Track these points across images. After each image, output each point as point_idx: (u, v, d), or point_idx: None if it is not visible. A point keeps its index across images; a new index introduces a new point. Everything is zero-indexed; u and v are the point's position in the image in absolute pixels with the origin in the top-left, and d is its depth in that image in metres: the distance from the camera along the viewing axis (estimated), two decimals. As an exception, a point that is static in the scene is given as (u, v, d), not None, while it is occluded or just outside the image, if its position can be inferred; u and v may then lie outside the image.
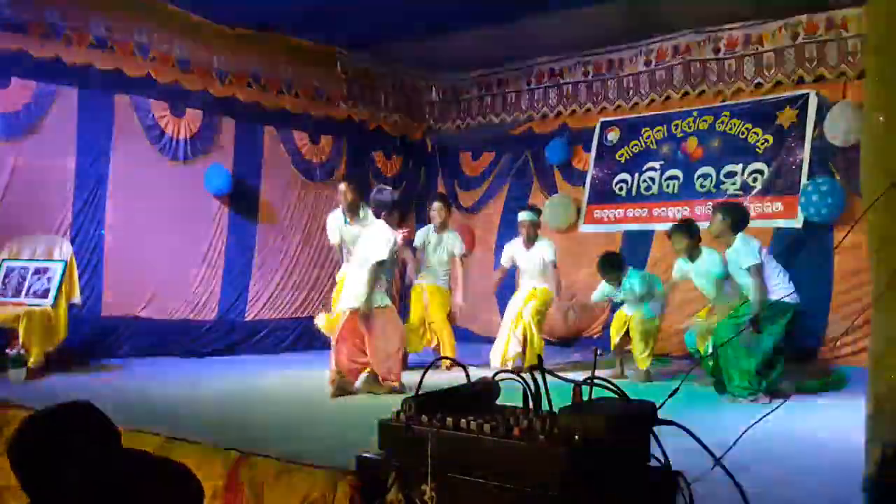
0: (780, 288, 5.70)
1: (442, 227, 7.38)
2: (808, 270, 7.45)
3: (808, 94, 7.65)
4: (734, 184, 8.00)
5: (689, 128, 8.42)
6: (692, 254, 6.24)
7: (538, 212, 7.54)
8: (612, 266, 6.77)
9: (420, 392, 2.33)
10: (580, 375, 2.30)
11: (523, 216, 7.26)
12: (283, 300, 8.61)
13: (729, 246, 5.88)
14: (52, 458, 1.80)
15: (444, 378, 3.04)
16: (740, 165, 7.99)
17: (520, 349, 6.89)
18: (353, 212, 6.78)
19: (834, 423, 4.60)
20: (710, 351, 6.00)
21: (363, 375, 5.71)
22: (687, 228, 6.30)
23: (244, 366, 7.28)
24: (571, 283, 8.95)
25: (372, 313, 5.76)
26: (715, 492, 2.23)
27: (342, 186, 6.93)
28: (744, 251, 5.76)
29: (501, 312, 9.32)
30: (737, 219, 5.93)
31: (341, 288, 6.41)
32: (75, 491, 1.37)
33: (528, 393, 2.28)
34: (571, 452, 1.95)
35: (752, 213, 7.79)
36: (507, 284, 7.73)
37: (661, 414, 2.15)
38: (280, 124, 8.76)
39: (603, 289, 6.92)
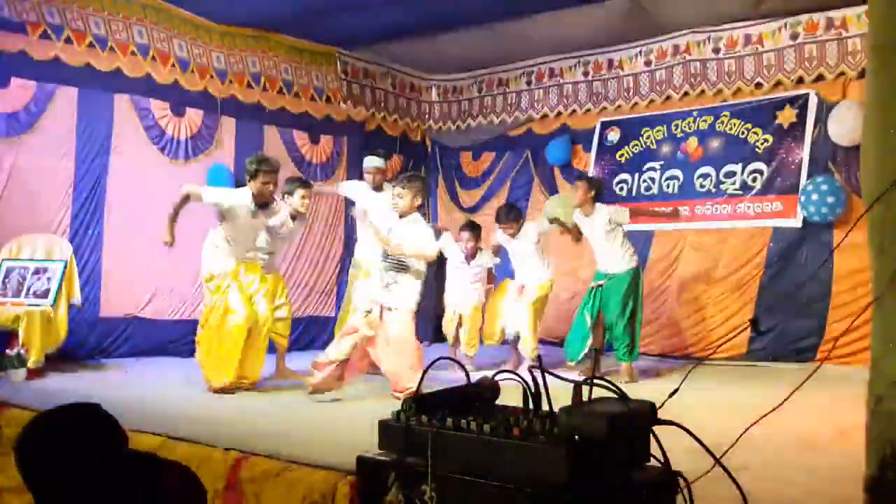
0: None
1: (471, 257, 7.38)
2: (808, 270, 7.47)
3: (808, 93, 7.65)
4: (734, 183, 8.01)
5: (689, 128, 8.42)
6: (587, 208, 6.76)
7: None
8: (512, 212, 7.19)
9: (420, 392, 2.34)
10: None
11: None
12: (283, 300, 8.60)
13: (588, 215, 6.75)
14: (60, 458, 1.80)
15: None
16: (740, 165, 7.99)
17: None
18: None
19: (834, 423, 4.61)
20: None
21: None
22: (591, 180, 6.95)
23: (244, 366, 7.26)
24: (574, 282, 8.96)
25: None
26: (715, 492, 2.23)
27: (379, 163, 7.04)
28: (620, 212, 6.76)
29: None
30: (599, 189, 6.87)
31: (368, 275, 6.24)
32: (83, 492, 1.37)
33: (528, 393, 2.28)
34: (571, 452, 1.95)
35: (752, 213, 7.84)
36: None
37: (661, 414, 2.15)
38: (280, 124, 8.76)
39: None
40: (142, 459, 1.49)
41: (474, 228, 7.38)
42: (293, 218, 6.43)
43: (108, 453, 1.81)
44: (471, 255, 7.30)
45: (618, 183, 8.84)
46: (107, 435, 1.89)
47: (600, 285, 6.73)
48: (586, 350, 6.63)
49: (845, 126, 7.15)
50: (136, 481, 1.39)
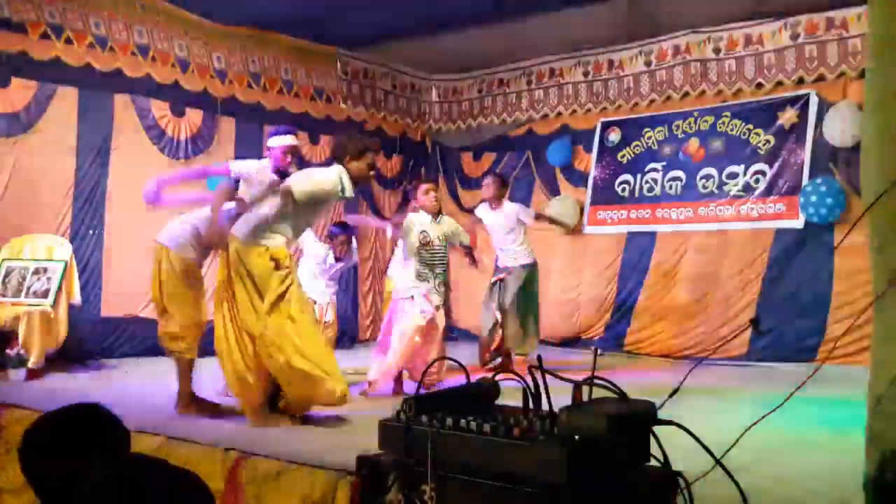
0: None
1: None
2: (808, 270, 7.47)
3: (808, 94, 7.65)
4: (736, 185, 8.01)
5: (690, 128, 8.42)
6: (496, 203, 7.03)
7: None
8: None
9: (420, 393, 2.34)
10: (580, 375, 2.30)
11: None
12: (283, 300, 8.60)
13: (495, 210, 7.02)
14: (64, 459, 1.80)
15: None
16: (742, 166, 7.99)
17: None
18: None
19: (834, 423, 4.61)
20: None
21: None
22: (501, 178, 7.34)
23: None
24: (576, 283, 8.97)
25: None
26: (715, 492, 2.23)
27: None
28: (527, 211, 7.19)
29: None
30: (507, 186, 7.48)
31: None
32: (87, 493, 1.36)
33: (528, 393, 2.28)
34: (571, 452, 1.95)
35: (755, 215, 7.84)
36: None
37: (661, 414, 2.15)
38: (280, 124, 8.74)
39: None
40: (149, 464, 1.48)
41: (346, 229, 7.21)
42: None
43: (113, 453, 1.81)
44: (339, 257, 7.10)
45: (619, 184, 8.83)
46: (110, 435, 1.89)
47: (501, 279, 6.96)
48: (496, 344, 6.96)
49: (837, 127, 7.15)
50: (142, 486, 1.39)
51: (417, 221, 5.82)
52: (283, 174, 4.93)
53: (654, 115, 8.69)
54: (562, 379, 2.23)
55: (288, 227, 4.67)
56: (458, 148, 10.35)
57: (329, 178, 4.64)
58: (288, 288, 4.51)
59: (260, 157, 5.45)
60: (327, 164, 4.96)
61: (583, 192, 9.12)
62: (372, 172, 4.89)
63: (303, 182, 4.59)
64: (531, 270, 7.06)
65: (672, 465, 2.11)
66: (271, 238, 4.57)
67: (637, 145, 8.78)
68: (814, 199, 7.27)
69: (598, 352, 2.55)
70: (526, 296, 6.98)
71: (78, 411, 1.92)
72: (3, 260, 6.64)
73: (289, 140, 5.16)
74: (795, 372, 6.16)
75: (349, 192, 4.69)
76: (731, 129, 8.12)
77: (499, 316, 6.91)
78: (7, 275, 6.56)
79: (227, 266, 4.53)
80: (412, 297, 5.65)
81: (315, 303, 6.72)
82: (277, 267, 4.51)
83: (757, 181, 7.89)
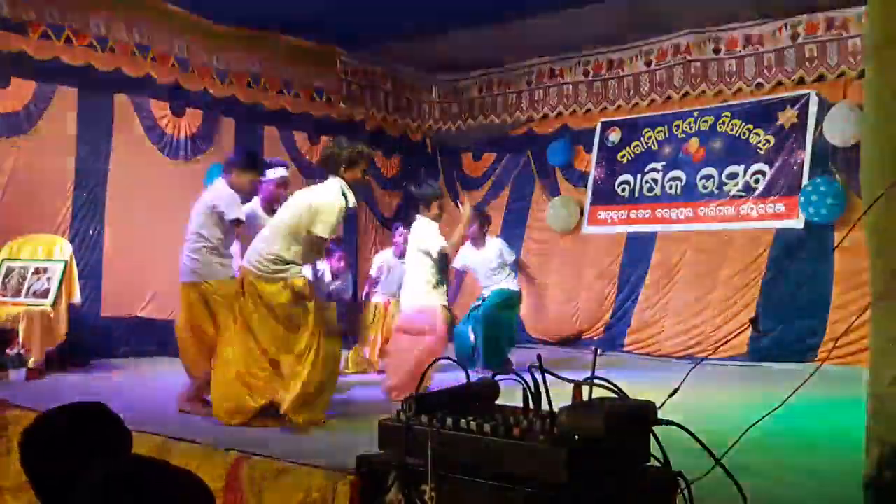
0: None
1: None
2: (808, 270, 7.47)
3: (808, 94, 7.66)
4: (736, 185, 8.01)
5: (690, 128, 8.42)
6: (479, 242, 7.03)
7: None
8: None
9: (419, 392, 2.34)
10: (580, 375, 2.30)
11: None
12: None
13: (479, 248, 7.03)
14: (64, 458, 1.79)
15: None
16: (742, 166, 7.99)
17: None
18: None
19: (834, 423, 4.61)
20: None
21: None
22: (484, 216, 7.27)
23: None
24: (576, 283, 8.96)
25: None
26: (715, 492, 2.23)
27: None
28: (507, 249, 7.09)
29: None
30: (489, 222, 7.37)
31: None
32: (87, 493, 1.36)
33: (528, 393, 2.28)
34: (571, 452, 1.95)
35: (755, 215, 7.84)
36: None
37: (661, 414, 2.15)
38: (280, 124, 8.76)
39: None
40: (149, 465, 1.48)
41: (341, 245, 7.25)
42: None
43: (114, 453, 1.80)
44: (336, 274, 7.08)
45: (619, 184, 8.83)
46: (112, 435, 1.89)
47: (478, 307, 6.92)
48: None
49: (843, 126, 7.15)
50: (142, 487, 1.38)
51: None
52: (272, 209, 5.04)
53: (654, 115, 8.69)
54: (562, 379, 2.23)
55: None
56: (458, 148, 10.34)
57: (336, 200, 4.58)
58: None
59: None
60: (320, 174, 4.91)
61: (583, 192, 9.12)
62: (367, 176, 4.88)
63: (324, 223, 4.53)
64: (513, 296, 7.01)
65: (672, 465, 2.11)
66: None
67: (637, 145, 8.78)
68: (814, 198, 7.27)
69: (598, 352, 2.55)
70: (502, 316, 6.87)
71: (79, 410, 1.91)
72: (3, 260, 6.64)
73: (282, 172, 5.27)
74: (795, 372, 6.15)
75: (353, 203, 4.69)
76: (731, 129, 8.12)
77: (472, 337, 6.84)
78: (7, 275, 6.56)
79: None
80: (440, 305, 5.65)
81: None
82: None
83: (757, 181, 7.89)
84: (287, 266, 4.53)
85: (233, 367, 4.51)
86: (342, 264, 7.08)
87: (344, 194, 4.61)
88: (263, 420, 4.48)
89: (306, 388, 4.37)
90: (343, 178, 4.68)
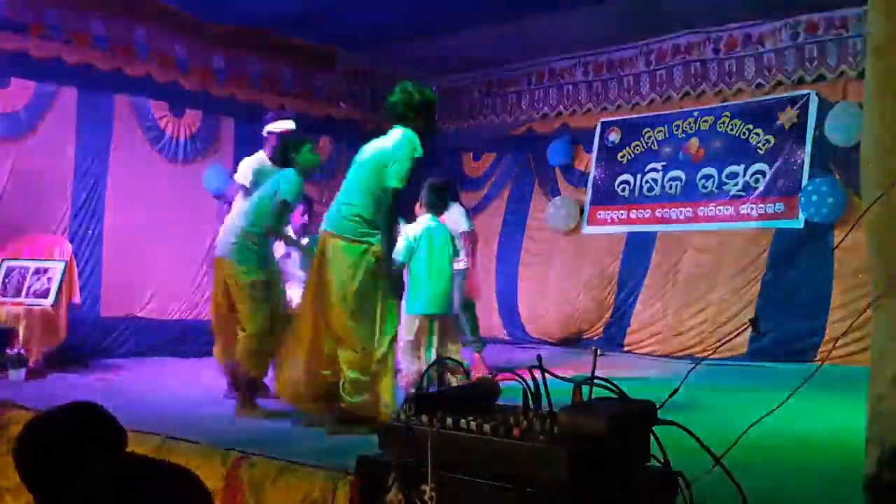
0: None
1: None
2: (808, 270, 7.47)
3: (808, 94, 7.65)
4: (736, 184, 8.01)
5: (691, 128, 8.42)
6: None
7: None
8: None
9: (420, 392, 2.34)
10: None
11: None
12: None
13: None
14: (60, 458, 1.79)
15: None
16: (742, 166, 7.99)
17: None
18: None
19: (834, 423, 4.61)
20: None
21: None
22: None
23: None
24: (576, 283, 8.96)
25: None
26: (715, 492, 2.23)
27: None
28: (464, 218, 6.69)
29: (500, 313, 9.38)
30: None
31: None
32: (84, 493, 1.36)
33: (528, 393, 2.28)
34: (571, 452, 1.95)
35: (755, 215, 7.84)
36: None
37: (661, 414, 2.15)
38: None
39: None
40: (146, 464, 1.48)
41: None
42: None
43: (110, 452, 1.80)
44: None
45: (619, 184, 8.83)
46: (107, 434, 1.89)
47: None
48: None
49: (843, 126, 7.15)
50: (139, 486, 1.38)
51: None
52: (284, 161, 4.79)
53: (654, 115, 8.69)
54: (562, 379, 2.23)
55: None
56: (458, 148, 10.34)
57: (401, 142, 4.37)
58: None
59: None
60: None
61: (583, 192, 9.11)
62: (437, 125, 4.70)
63: (398, 171, 4.31)
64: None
65: (672, 465, 2.11)
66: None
67: (637, 145, 8.77)
68: (814, 198, 7.27)
69: (598, 352, 2.55)
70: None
71: (73, 410, 1.91)
72: (3, 260, 6.64)
73: (289, 125, 4.99)
74: (795, 372, 6.15)
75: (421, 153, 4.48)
76: (731, 129, 8.12)
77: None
78: (7, 275, 6.56)
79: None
80: None
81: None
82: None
83: (757, 181, 7.89)
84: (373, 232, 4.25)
85: (304, 346, 4.28)
86: (305, 218, 6.54)
87: (413, 142, 4.39)
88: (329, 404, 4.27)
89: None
90: (412, 127, 4.47)
